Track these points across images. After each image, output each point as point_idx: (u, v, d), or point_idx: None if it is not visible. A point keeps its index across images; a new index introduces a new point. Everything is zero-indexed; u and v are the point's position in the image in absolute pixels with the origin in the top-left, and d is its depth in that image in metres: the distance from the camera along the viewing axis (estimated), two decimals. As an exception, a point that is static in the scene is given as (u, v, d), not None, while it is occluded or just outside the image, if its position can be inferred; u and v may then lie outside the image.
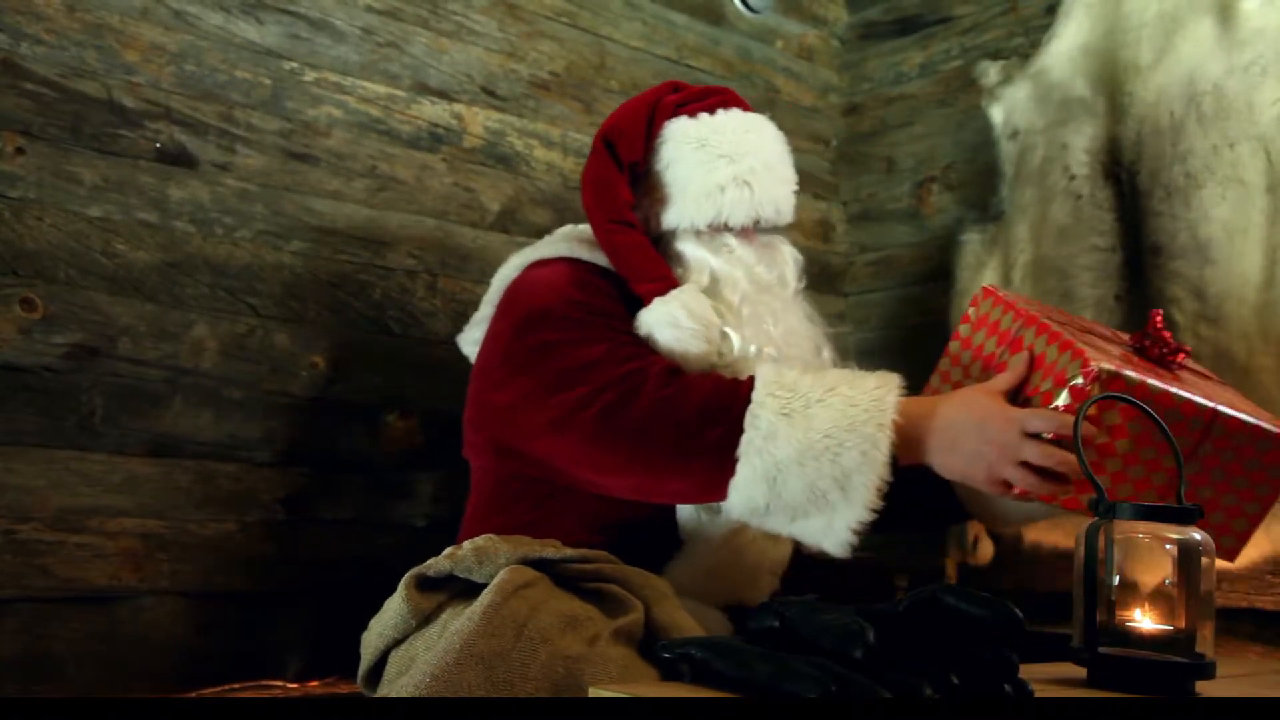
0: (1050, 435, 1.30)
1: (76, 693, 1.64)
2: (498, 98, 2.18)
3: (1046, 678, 1.29)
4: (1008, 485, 1.33)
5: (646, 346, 1.50)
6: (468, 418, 1.64)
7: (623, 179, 1.61)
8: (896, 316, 2.60)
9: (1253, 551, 1.87)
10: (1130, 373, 1.29)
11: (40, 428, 1.66)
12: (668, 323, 1.50)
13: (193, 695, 1.68)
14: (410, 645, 1.35)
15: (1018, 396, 1.36)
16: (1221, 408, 1.36)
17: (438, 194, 2.08)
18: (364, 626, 1.43)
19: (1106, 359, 1.29)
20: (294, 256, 1.91)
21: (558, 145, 2.23)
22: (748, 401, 1.37)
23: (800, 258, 1.71)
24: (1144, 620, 1.26)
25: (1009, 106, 2.27)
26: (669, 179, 1.61)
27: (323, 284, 1.94)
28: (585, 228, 1.66)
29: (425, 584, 1.39)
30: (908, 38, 2.65)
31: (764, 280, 1.60)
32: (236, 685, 1.73)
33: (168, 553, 1.75)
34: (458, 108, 2.13)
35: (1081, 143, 2.13)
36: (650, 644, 1.28)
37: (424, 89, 2.09)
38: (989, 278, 2.25)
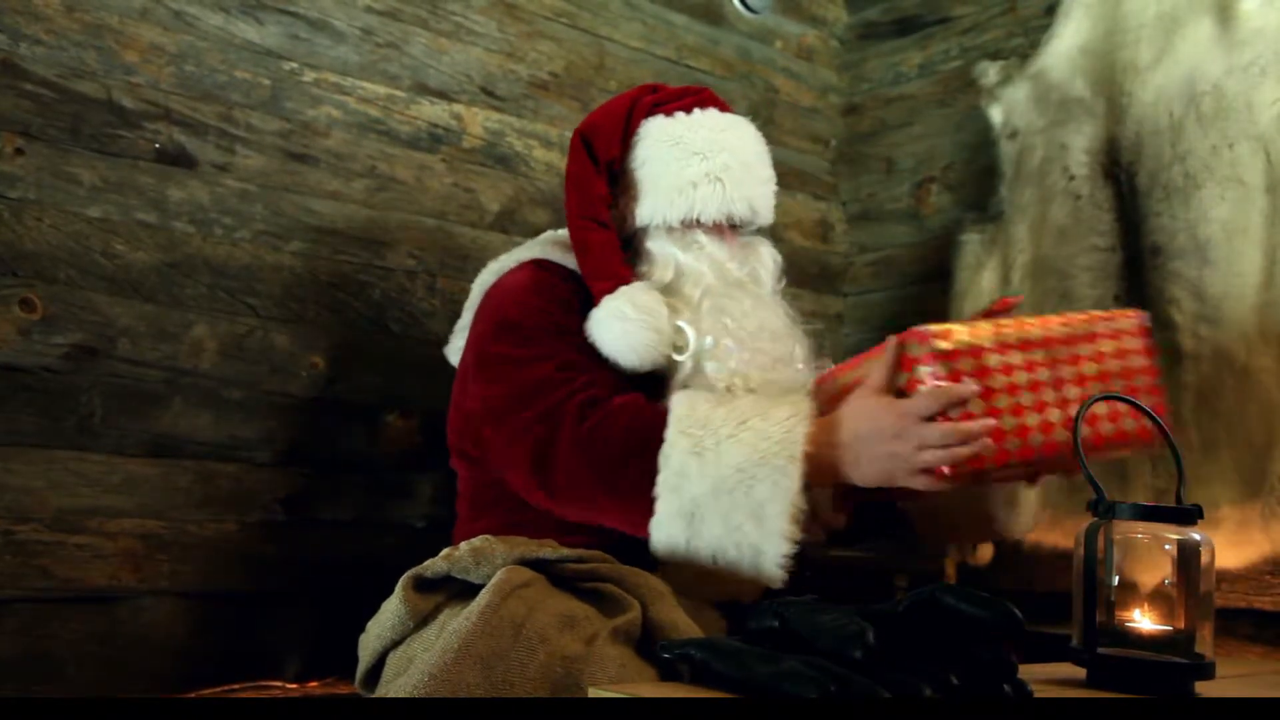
0: (941, 412, 1.32)
1: (76, 693, 1.64)
2: (497, 98, 2.18)
3: (1046, 678, 1.29)
4: (931, 472, 1.33)
5: (585, 363, 1.52)
6: (449, 424, 1.66)
7: (598, 176, 1.64)
8: (896, 317, 2.60)
9: (1252, 552, 1.87)
10: (957, 325, 1.35)
11: (40, 428, 1.66)
12: (615, 316, 1.52)
13: (192, 695, 1.68)
14: (408, 646, 1.35)
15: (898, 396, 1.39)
16: (1058, 320, 1.40)
17: (437, 194, 2.08)
18: (363, 627, 1.43)
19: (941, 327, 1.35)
20: (293, 257, 1.91)
21: (557, 145, 2.23)
22: (661, 440, 1.40)
23: (779, 259, 1.71)
24: (1143, 620, 1.26)
25: (1008, 107, 2.27)
26: (643, 176, 1.63)
27: (322, 284, 1.94)
28: (565, 230, 1.69)
29: (423, 585, 1.39)
30: (907, 38, 2.65)
31: (733, 276, 1.61)
32: (236, 685, 1.73)
33: (167, 553, 1.75)
34: (457, 108, 2.13)
35: (1081, 143, 2.13)
36: (648, 643, 1.29)
37: (423, 89, 2.09)
38: (988, 278, 2.25)
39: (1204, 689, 1.24)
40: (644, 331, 1.51)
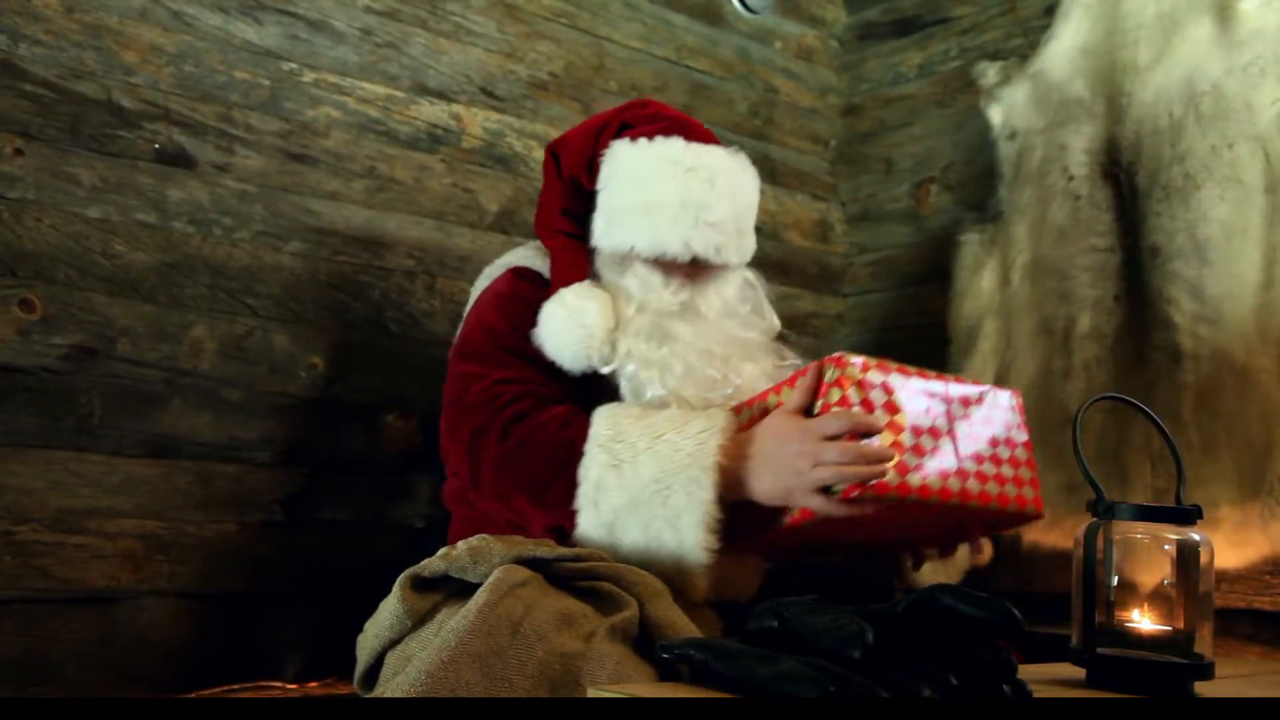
0: (846, 433, 1.33)
1: (76, 693, 1.64)
2: (496, 98, 2.18)
3: (1045, 678, 1.29)
4: (827, 492, 1.34)
5: (523, 379, 1.56)
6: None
7: (560, 188, 1.66)
8: (895, 317, 2.60)
9: (1251, 552, 1.87)
10: (868, 359, 1.37)
11: (39, 429, 1.66)
12: (547, 315, 1.55)
13: (192, 696, 1.68)
14: (406, 645, 1.35)
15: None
16: (952, 380, 1.42)
17: (436, 195, 2.09)
18: (363, 628, 1.43)
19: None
20: (293, 257, 1.91)
21: (557, 146, 2.23)
22: (581, 455, 1.44)
23: (755, 284, 1.69)
24: (1143, 621, 1.26)
25: (1007, 107, 2.27)
26: (601, 199, 1.63)
27: (321, 285, 1.94)
28: None
29: (420, 584, 1.39)
30: (906, 38, 2.65)
31: (667, 304, 1.59)
32: (235, 686, 1.73)
33: (166, 554, 1.75)
34: (456, 108, 2.13)
35: (1080, 143, 2.13)
36: (645, 641, 1.29)
37: (423, 90, 2.09)
38: (988, 278, 2.25)
39: (1203, 689, 1.24)
40: (569, 329, 1.53)
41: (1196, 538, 1.26)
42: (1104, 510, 1.27)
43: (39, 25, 1.70)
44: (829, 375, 1.37)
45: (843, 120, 2.77)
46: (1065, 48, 2.19)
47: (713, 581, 1.44)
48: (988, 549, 1.67)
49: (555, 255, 1.65)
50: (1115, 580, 1.25)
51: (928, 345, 2.36)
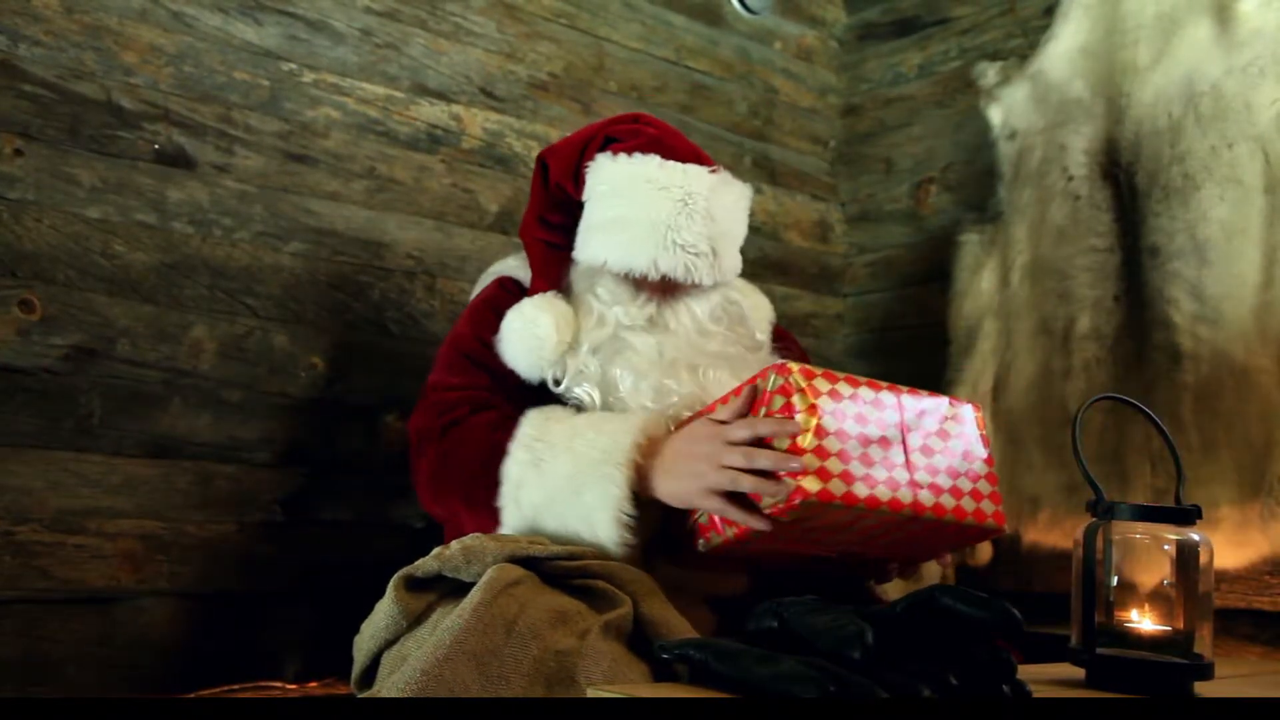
0: (754, 439, 1.32)
1: (75, 694, 1.64)
2: (496, 99, 2.18)
3: (1045, 678, 1.29)
4: (723, 495, 1.33)
5: (469, 385, 1.59)
6: None
7: (545, 195, 1.67)
8: (895, 317, 2.61)
9: (1251, 552, 1.87)
10: (812, 368, 1.35)
11: (39, 429, 1.66)
12: (505, 325, 1.58)
13: (191, 696, 1.68)
14: (402, 645, 1.36)
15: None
16: (907, 392, 1.39)
17: (436, 195, 2.09)
18: (359, 629, 1.43)
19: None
20: (293, 258, 1.91)
21: (556, 146, 2.23)
22: (505, 454, 1.47)
23: (727, 306, 1.67)
24: (1142, 621, 1.26)
25: (1007, 107, 2.27)
26: (584, 211, 1.63)
27: (321, 285, 1.94)
28: None
29: (414, 584, 1.40)
30: (906, 39, 2.65)
31: (633, 318, 1.59)
32: (235, 686, 1.73)
33: (166, 554, 1.75)
34: (456, 109, 2.13)
35: (1080, 143, 2.14)
36: (640, 639, 1.29)
37: (422, 90, 2.09)
38: (987, 278, 2.25)
39: (1203, 689, 1.24)
40: (522, 339, 1.56)
41: (1196, 538, 1.26)
42: (1104, 510, 1.27)
43: (39, 26, 1.70)
44: (771, 383, 1.34)
45: (842, 120, 2.77)
46: (1065, 48, 2.19)
47: (701, 580, 1.44)
48: (986, 549, 1.68)
49: (531, 262, 1.67)
50: (1115, 580, 1.25)
51: (927, 345, 2.36)
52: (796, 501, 1.26)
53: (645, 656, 1.27)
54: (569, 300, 1.63)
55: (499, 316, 1.61)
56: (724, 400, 1.43)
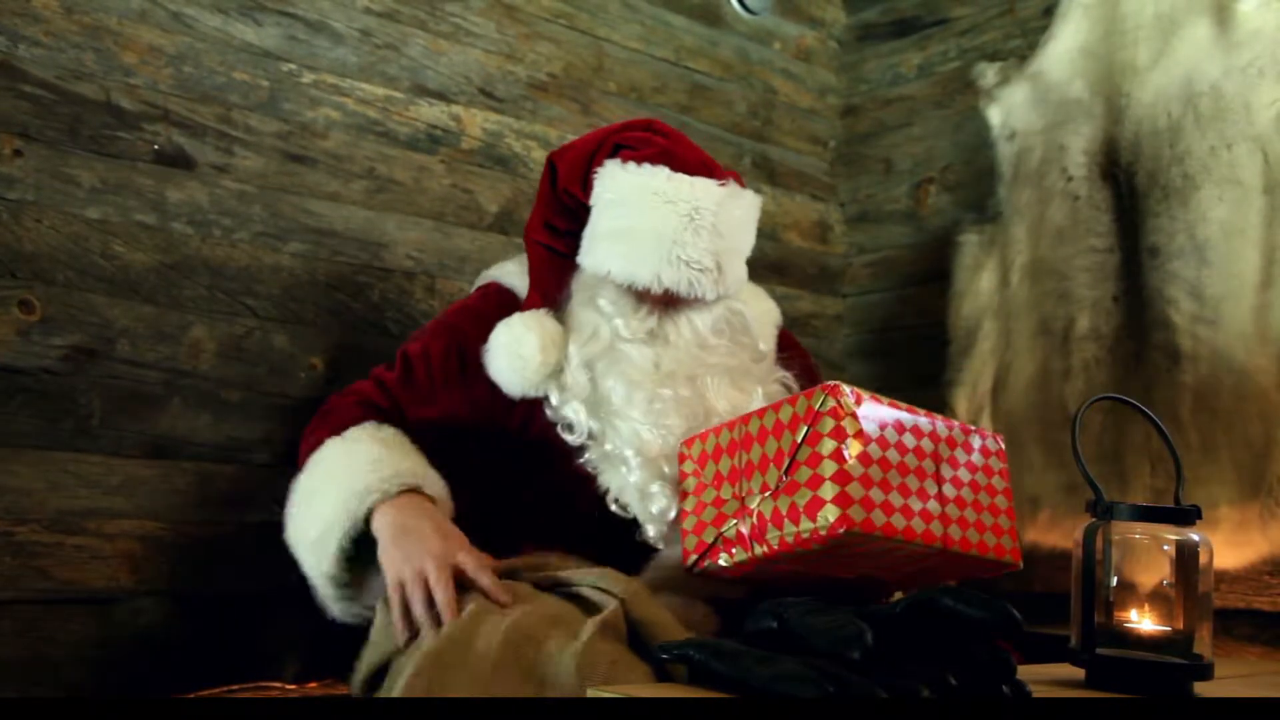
0: (458, 575, 1.36)
1: (75, 694, 1.64)
2: (496, 99, 2.18)
3: (1045, 678, 1.29)
4: (402, 591, 1.37)
5: (371, 388, 1.65)
6: None
7: (553, 199, 1.66)
8: (894, 317, 2.61)
9: (1250, 552, 1.87)
10: (861, 391, 1.35)
11: (38, 430, 1.66)
12: (491, 340, 1.59)
13: (191, 696, 1.68)
14: (397, 662, 1.36)
15: (787, 463, 1.33)
16: (940, 419, 1.38)
17: (436, 195, 2.09)
18: (362, 628, 1.44)
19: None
20: (292, 258, 1.91)
21: (556, 147, 2.23)
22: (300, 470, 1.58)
23: (731, 319, 1.65)
24: (1142, 621, 1.26)
25: (1007, 108, 2.28)
26: (591, 217, 1.61)
27: (321, 285, 1.94)
28: None
29: None
30: (905, 39, 2.66)
31: (634, 330, 1.58)
32: (235, 687, 1.73)
33: (166, 554, 1.75)
34: (456, 109, 2.13)
35: (1079, 144, 2.14)
36: (634, 640, 1.29)
37: (422, 90, 2.09)
38: (987, 278, 2.25)
39: (1202, 689, 1.24)
40: (505, 355, 1.57)
41: (1195, 538, 1.26)
42: (1103, 510, 1.27)
43: (39, 26, 1.70)
44: (821, 403, 1.32)
45: (842, 121, 2.77)
46: (1064, 48, 2.20)
47: (703, 582, 1.44)
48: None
49: (531, 266, 1.67)
50: (1114, 581, 1.25)
51: (927, 345, 2.37)
52: (840, 531, 1.24)
53: (643, 657, 1.27)
54: (566, 311, 1.61)
55: (477, 328, 1.62)
56: (759, 414, 1.39)
